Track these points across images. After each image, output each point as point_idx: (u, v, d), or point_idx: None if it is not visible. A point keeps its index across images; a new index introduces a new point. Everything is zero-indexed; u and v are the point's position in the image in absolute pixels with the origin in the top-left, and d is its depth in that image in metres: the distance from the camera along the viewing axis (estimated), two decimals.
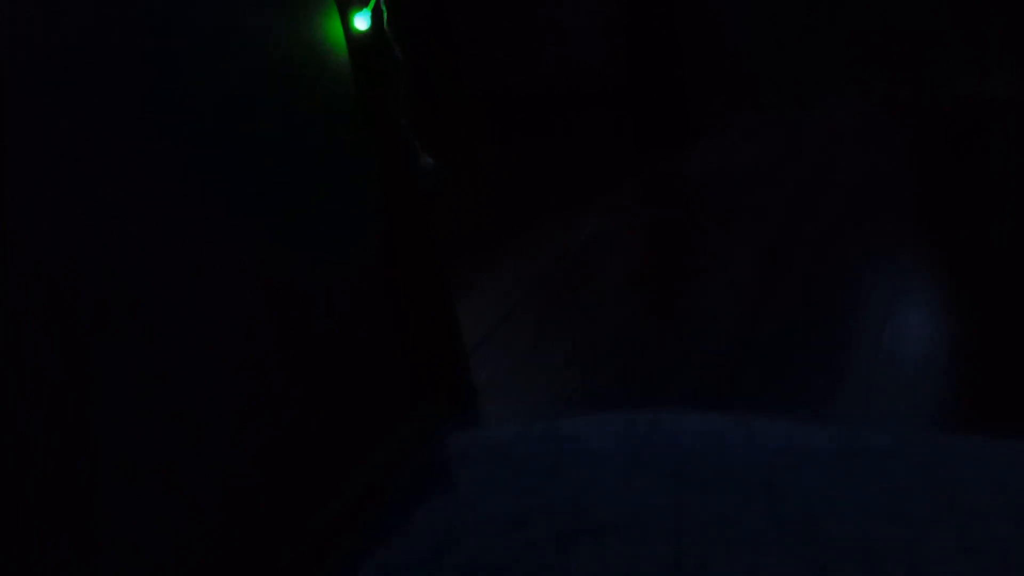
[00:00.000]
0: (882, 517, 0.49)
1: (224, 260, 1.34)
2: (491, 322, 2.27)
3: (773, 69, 4.07)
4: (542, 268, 2.56)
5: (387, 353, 1.74)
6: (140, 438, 1.18)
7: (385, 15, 1.62)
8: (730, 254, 2.52)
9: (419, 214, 1.75)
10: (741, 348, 2.02)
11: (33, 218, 1.05)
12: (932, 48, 3.78)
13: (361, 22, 1.59)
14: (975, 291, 2.09)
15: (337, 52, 1.58)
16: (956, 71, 3.56)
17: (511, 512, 0.53)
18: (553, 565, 0.48)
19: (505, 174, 3.40)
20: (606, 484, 0.55)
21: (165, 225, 1.23)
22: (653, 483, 0.54)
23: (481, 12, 3.80)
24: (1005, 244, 2.24)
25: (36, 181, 1.05)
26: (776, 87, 3.94)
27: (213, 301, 1.31)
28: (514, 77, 3.81)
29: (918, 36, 3.92)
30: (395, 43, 1.65)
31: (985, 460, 0.56)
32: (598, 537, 0.50)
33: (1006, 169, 2.71)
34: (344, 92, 1.60)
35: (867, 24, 4.14)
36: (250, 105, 1.39)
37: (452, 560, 0.51)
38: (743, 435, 0.59)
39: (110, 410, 1.14)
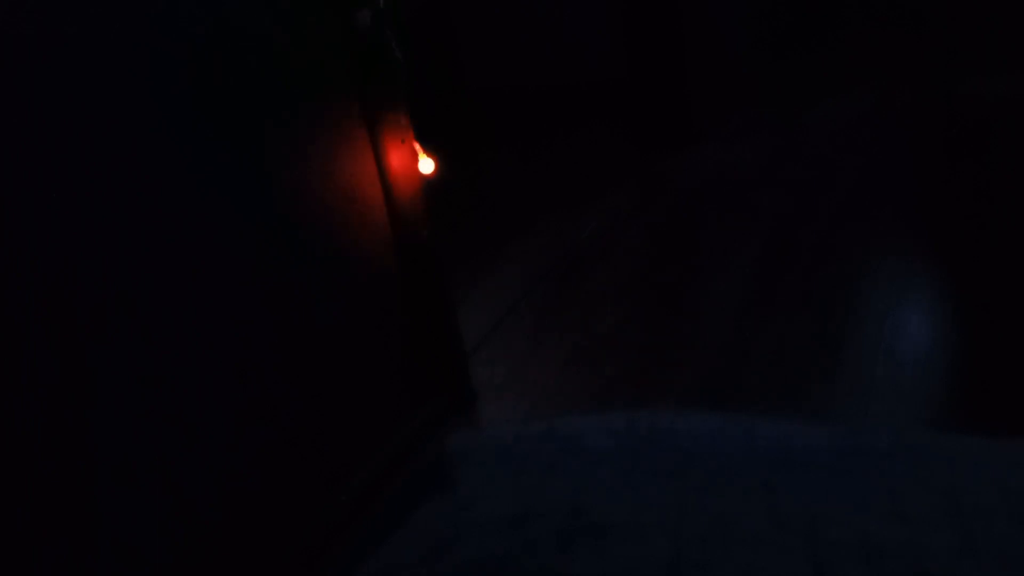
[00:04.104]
0: (882, 517, 0.49)
1: (222, 261, 1.34)
2: (491, 322, 2.27)
3: (773, 69, 4.07)
4: (542, 268, 2.55)
5: (386, 354, 1.73)
6: (138, 439, 1.18)
7: (387, 15, 1.62)
8: (730, 254, 2.52)
9: (419, 214, 1.75)
10: (741, 348, 2.02)
11: (31, 218, 1.05)
12: (932, 48, 3.78)
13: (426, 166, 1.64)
14: (975, 291, 2.09)
15: (337, 51, 1.58)
16: (956, 71, 3.57)
17: (511, 512, 0.53)
18: (553, 565, 0.48)
19: (505, 173, 3.40)
20: (606, 484, 0.55)
21: (163, 226, 1.23)
22: (653, 483, 0.54)
23: (482, 11, 3.80)
24: (1005, 244, 2.24)
25: (34, 181, 1.05)
26: (776, 87, 3.94)
27: (211, 302, 1.31)
28: (515, 77, 3.80)
29: (918, 36, 3.93)
30: (395, 42, 1.65)
31: (985, 460, 0.56)
32: (598, 537, 0.49)
33: (1006, 169, 2.71)
34: (343, 90, 1.60)
35: (867, 24, 4.14)
36: (248, 105, 1.39)
37: (451, 560, 0.51)
38: (743, 435, 0.59)
39: (108, 411, 1.14)
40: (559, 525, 0.50)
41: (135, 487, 1.18)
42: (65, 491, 1.08)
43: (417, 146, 1.72)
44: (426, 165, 1.74)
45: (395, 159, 1.69)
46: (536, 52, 3.74)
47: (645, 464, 0.55)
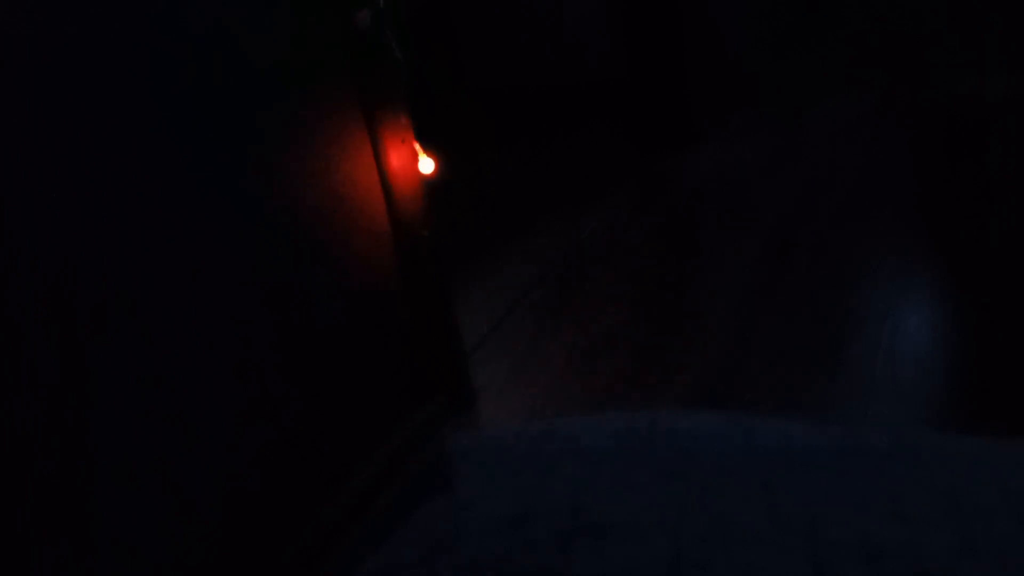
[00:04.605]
0: (882, 517, 0.49)
1: (222, 261, 1.34)
2: (491, 322, 2.27)
3: (773, 69, 4.07)
4: (542, 268, 2.55)
5: (386, 354, 1.73)
6: (138, 439, 1.18)
7: (387, 15, 1.62)
8: (730, 254, 2.52)
9: (419, 214, 1.75)
10: (741, 348, 2.02)
11: (31, 218, 1.05)
12: (932, 48, 3.78)
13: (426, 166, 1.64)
14: (975, 291, 2.09)
15: (337, 51, 1.58)
16: (956, 71, 3.57)
17: (510, 512, 0.53)
18: (553, 565, 0.48)
19: (505, 173, 3.40)
20: (605, 484, 0.55)
21: (163, 226, 1.23)
22: (653, 483, 0.54)
23: (482, 11, 3.80)
24: (1005, 244, 2.24)
25: (35, 181, 1.05)
26: (776, 87, 3.94)
27: (211, 302, 1.31)
28: (515, 77, 3.80)
29: (918, 36, 3.93)
30: (395, 42, 1.65)
31: (985, 460, 0.56)
32: (598, 537, 0.49)
33: (1006, 169, 2.71)
34: (343, 90, 1.60)
35: (867, 24, 4.14)
36: (248, 105, 1.39)
37: (451, 560, 0.51)
38: (743, 435, 0.59)
39: (108, 411, 1.14)
40: (559, 525, 0.50)
41: (135, 487, 1.18)
42: (65, 491, 1.08)
43: (417, 146, 1.72)
44: (426, 165, 1.74)
45: (395, 159, 1.69)
46: (536, 52, 3.75)
47: (645, 464, 0.55)
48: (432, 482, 0.59)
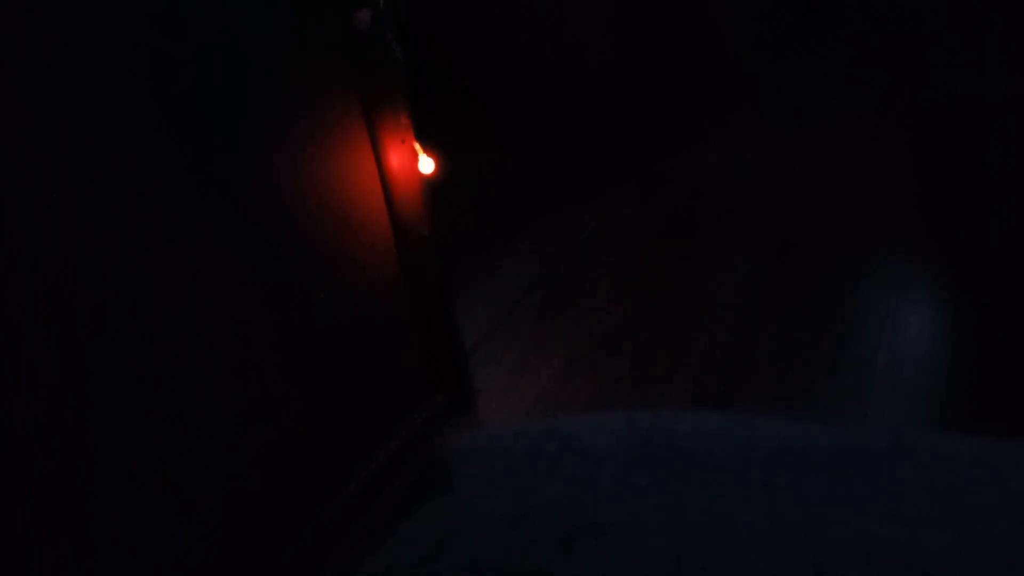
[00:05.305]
0: (882, 517, 0.49)
1: (222, 261, 1.34)
2: (491, 322, 2.27)
3: (773, 69, 4.07)
4: (542, 268, 2.55)
5: (387, 353, 1.73)
6: (138, 440, 1.18)
7: (387, 15, 1.62)
8: (730, 254, 2.52)
9: (419, 214, 1.75)
10: (741, 348, 2.02)
11: (31, 218, 1.05)
12: (932, 48, 3.78)
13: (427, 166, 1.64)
14: (975, 291, 2.09)
15: (337, 51, 1.58)
16: (956, 71, 3.57)
17: (511, 512, 0.53)
18: (553, 564, 0.48)
19: (505, 173, 3.40)
20: (605, 484, 0.55)
21: (163, 226, 1.23)
22: (653, 483, 0.54)
23: (482, 11, 3.80)
24: (1005, 244, 2.24)
25: (35, 181, 1.05)
26: (776, 87, 3.94)
27: (211, 302, 1.31)
28: (515, 77, 3.80)
29: (918, 36, 3.93)
30: (395, 42, 1.65)
31: (985, 460, 0.56)
32: (598, 537, 0.49)
33: (1006, 169, 2.71)
34: (343, 91, 1.60)
35: (867, 24, 4.14)
36: (248, 105, 1.39)
37: (451, 560, 0.51)
38: (743, 435, 0.59)
39: (108, 412, 1.14)
40: (559, 525, 0.50)
41: (135, 487, 1.18)
42: (65, 491, 1.08)
43: (417, 146, 1.72)
44: (426, 165, 1.74)
45: (395, 159, 1.69)
46: (536, 52, 3.74)
47: (645, 464, 0.55)
48: (432, 482, 0.59)
